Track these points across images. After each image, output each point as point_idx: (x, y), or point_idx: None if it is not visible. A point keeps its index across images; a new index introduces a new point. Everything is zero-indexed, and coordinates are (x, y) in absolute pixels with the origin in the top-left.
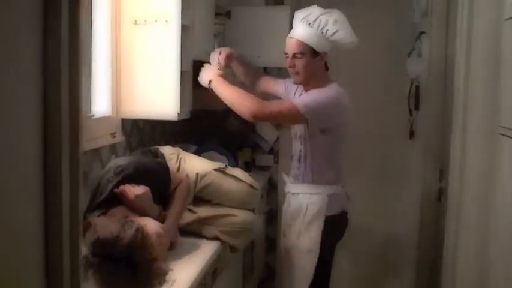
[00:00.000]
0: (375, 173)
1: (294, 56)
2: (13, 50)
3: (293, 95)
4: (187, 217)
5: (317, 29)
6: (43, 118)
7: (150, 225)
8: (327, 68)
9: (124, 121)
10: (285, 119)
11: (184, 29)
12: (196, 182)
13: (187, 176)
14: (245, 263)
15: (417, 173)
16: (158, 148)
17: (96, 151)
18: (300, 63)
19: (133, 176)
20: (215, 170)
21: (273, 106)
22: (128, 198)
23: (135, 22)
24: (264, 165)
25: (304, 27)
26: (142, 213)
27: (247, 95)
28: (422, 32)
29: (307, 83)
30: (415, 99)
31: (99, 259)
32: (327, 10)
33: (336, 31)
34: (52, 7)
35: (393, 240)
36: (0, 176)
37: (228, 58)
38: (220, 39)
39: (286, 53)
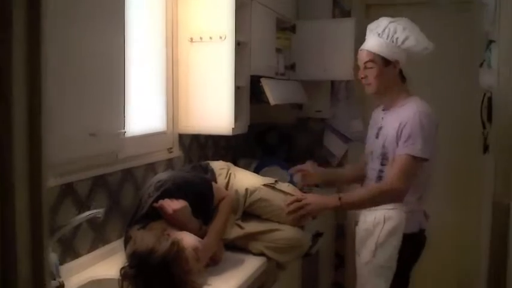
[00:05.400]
0: (445, 189)
1: (365, 66)
2: None
3: (378, 122)
4: (235, 232)
5: (387, 38)
6: None
7: (187, 239)
8: (403, 79)
9: (183, 136)
10: (416, 172)
11: (241, 45)
12: (245, 197)
13: (236, 191)
14: (305, 280)
15: (490, 190)
16: (209, 163)
17: (152, 165)
18: (371, 73)
19: (173, 191)
20: (264, 185)
21: (402, 171)
22: (166, 213)
23: (191, 39)
24: None
25: (374, 38)
26: (182, 228)
27: (374, 188)
28: (491, 41)
29: (383, 95)
30: (488, 112)
31: (135, 271)
32: (395, 18)
33: (406, 38)
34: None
35: (463, 258)
36: None
37: (305, 177)
38: (286, 53)
39: (357, 65)
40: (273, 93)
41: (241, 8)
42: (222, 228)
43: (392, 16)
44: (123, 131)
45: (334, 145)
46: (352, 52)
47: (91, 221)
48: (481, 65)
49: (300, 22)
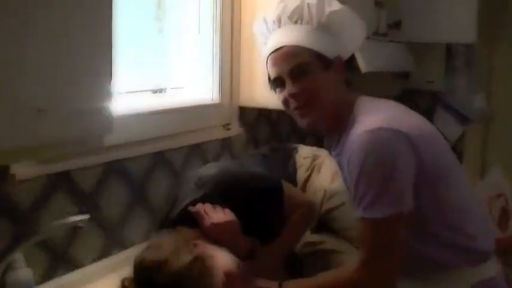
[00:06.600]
0: None
1: (295, 76)
2: None
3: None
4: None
5: (313, 24)
6: None
7: (222, 259)
8: (348, 84)
9: (246, 110)
10: (392, 236)
11: None
12: (322, 202)
13: (314, 193)
14: None
15: None
16: (296, 147)
17: (198, 147)
18: (310, 84)
19: (217, 196)
20: None
21: (368, 249)
22: (202, 224)
23: None
24: None
25: (293, 28)
26: (222, 244)
27: (330, 278)
28: None
29: (334, 127)
30: None
31: (138, 286)
32: None
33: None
34: None
35: None
36: None
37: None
38: (390, 8)
39: (276, 79)
40: (367, 58)
41: None
42: (283, 253)
43: None
44: (105, 105)
45: (447, 126)
46: (474, 7)
47: (100, 221)
48: None
49: None
